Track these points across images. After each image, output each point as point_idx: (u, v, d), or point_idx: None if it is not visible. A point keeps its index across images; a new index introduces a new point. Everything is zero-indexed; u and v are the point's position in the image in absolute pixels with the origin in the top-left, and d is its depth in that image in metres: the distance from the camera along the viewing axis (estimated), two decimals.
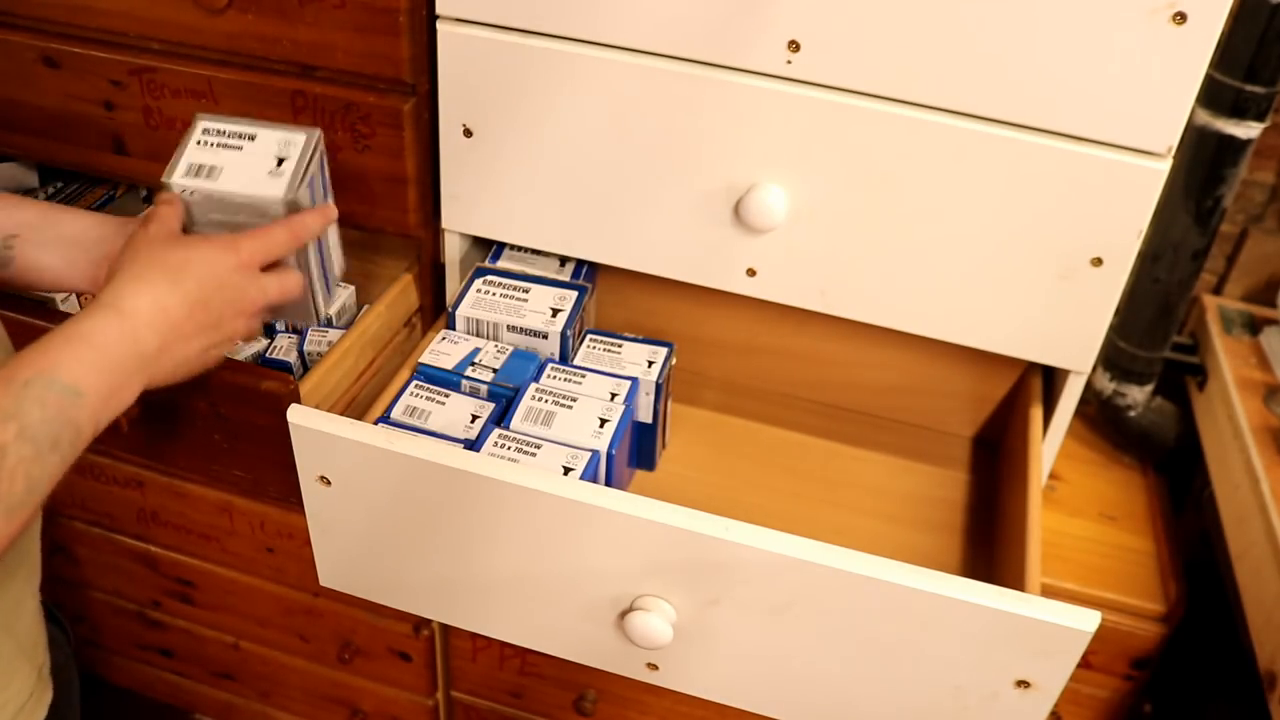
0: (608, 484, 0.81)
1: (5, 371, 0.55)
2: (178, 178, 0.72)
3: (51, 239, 0.72)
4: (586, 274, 0.97)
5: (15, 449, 0.53)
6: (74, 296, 1.01)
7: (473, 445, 0.80)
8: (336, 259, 0.81)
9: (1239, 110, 0.89)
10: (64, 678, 0.75)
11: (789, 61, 0.77)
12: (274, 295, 0.71)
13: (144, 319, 0.62)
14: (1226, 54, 0.88)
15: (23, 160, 1.10)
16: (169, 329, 0.63)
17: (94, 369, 0.58)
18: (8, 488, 0.52)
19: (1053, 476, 1.08)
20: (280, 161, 0.73)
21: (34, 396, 0.55)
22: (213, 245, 0.68)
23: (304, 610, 1.17)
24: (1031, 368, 0.94)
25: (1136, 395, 1.08)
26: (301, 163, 0.73)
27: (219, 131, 0.74)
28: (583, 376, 0.86)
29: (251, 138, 0.74)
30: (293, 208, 0.72)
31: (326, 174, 0.78)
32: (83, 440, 0.57)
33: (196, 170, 0.73)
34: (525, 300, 0.91)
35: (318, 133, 0.75)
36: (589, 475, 0.78)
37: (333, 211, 0.77)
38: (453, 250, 0.96)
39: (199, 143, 0.74)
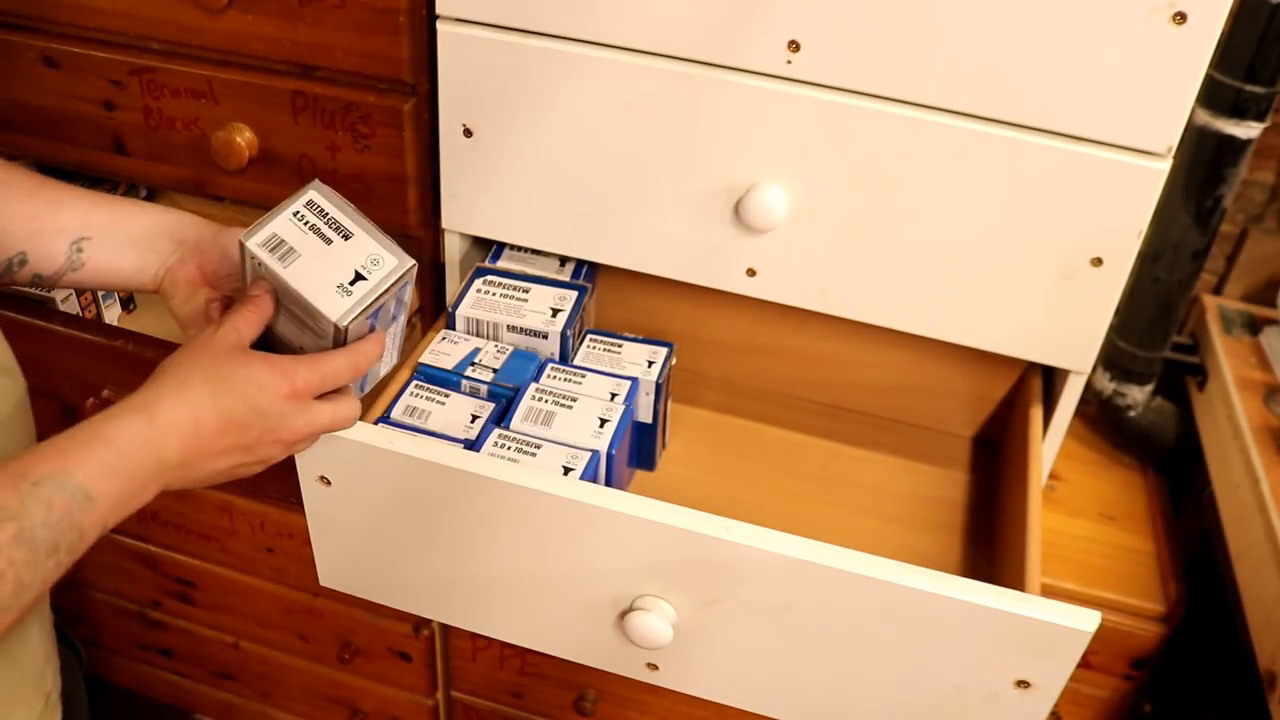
0: (608, 484, 0.81)
1: (18, 465, 0.52)
2: (254, 243, 0.65)
3: (123, 241, 0.70)
4: (586, 274, 0.97)
5: (9, 552, 0.50)
6: (73, 296, 1.01)
7: (473, 445, 0.80)
8: (401, 340, 0.74)
9: (1239, 110, 0.89)
10: (73, 704, 0.74)
11: (789, 61, 0.77)
12: (324, 426, 0.66)
13: (175, 430, 0.58)
14: (1226, 54, 0.88)
15: (23, 160, 1.10)
16: (198, 445, 0.59)
17: (111, 474, 0.55)
18: None
19: (1053, 476, 1.08)
20: (356, 279, 0.65)
21: (42, 498, 0.52)
22: (268, 368, 0.62)
23: (304, 610, 1.17)
24: (1031, 368, 0.94)
25: (1136, 395, 1.08)
26: (376, 290, 0.65)
27: (320, 212, 0.67)
28: (583, 376, 0.86)
29: (346, 236, 0.66)
30: (343, 334, 0.65)
31: (407, 299, 0.71)
32: (84, 544, 0.54)
33: (275, 245, 0.65)
34: (525, 300, 0.91)
35: (411, 265, 0.67)
36: (589, 475, 0.78)
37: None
38: (453, 250, 0.96)
39: (295, 215, 0.66)
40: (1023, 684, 0.66)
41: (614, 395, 0.85)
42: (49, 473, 0.53)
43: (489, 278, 0.93)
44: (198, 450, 0.59)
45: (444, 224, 0.93)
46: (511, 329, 0.90)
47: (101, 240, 0.70)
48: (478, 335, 0.91)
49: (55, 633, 0.73)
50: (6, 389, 0.64)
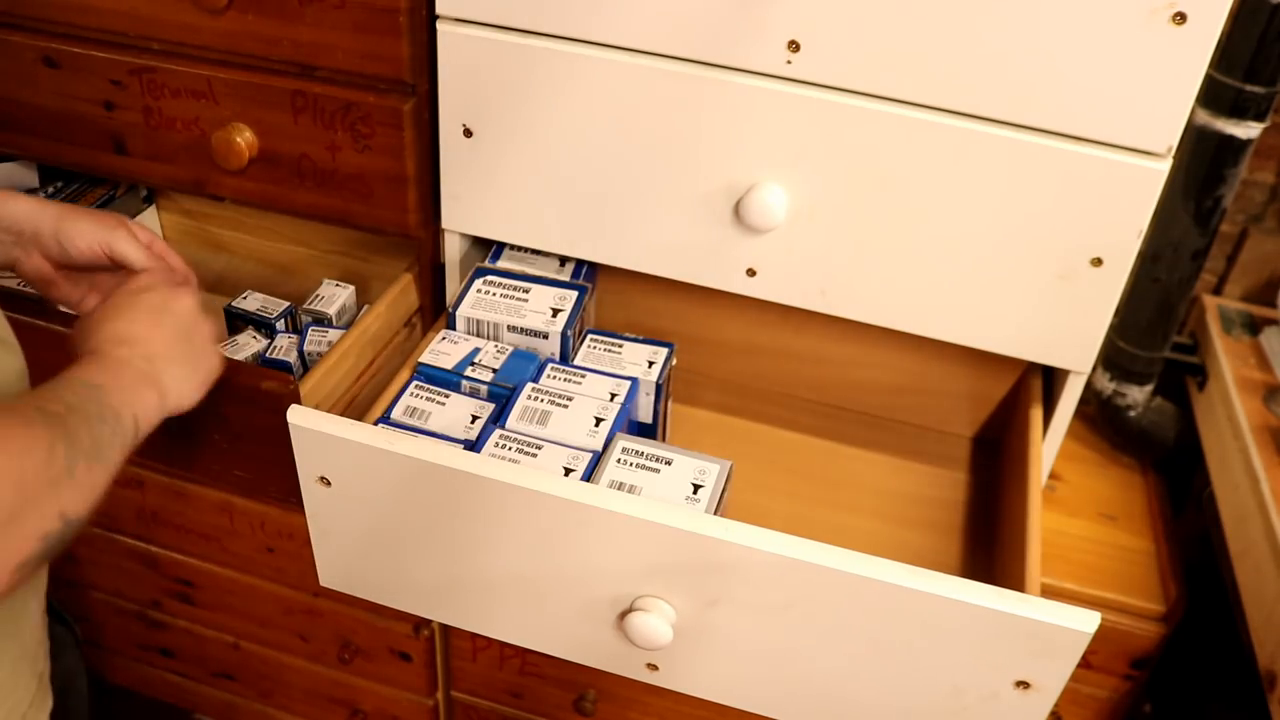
0: None
1: (35, 401, 0.58)
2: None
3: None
4: (586, 274, 0.97)
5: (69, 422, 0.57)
6: None
7: (473, 446, 0.80)
8: None
9: (1239, 110, 0.89)
10: (73, 683, 0.75)
11: (789, 61, 0.77)
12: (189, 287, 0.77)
13: (139, 350, 0.67)
14: (1226, 54, 0.88)
15: (23, 160, 1.10)
16: (156, 356, 0.68)
17: (105, 374, 0.63)
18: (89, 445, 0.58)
19: (1053, 476, 1.08)
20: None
21: (73, 390, 0.60)
22: (183, 290, 0.73)
23: (304, 610, 1.17)
24: (1031, 368, 0.94)
25: (1136, 395, 1.08)
26: None
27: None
28: (582, 377, 0.86)
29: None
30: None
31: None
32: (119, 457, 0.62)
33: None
34: (525, 300, 0.91)
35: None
36: (589, 476, 0.78)
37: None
38: (453, 250, 0.96)
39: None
40: (1022, 684, 0.66)
41: (613, 395, 0.85)
42: (73, 376, 0.61)
43: (489, 278, 0.93)
44: (159, 360, 0.68)
45: (444, 224, 0.93)
46: (512, 329, 0.90)
47: None
48: (478, 335, 0.91)
49: (49, 610, 0.74)
50: (6, 362, 0.65)
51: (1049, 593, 0.96)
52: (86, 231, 0.74)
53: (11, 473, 0.52)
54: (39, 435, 0.55)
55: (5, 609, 0.65)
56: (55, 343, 0.88)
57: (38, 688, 0.70)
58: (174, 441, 0.89)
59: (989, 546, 0.90)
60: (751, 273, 0.87)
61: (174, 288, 0.74)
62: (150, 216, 1.17)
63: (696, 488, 0.76)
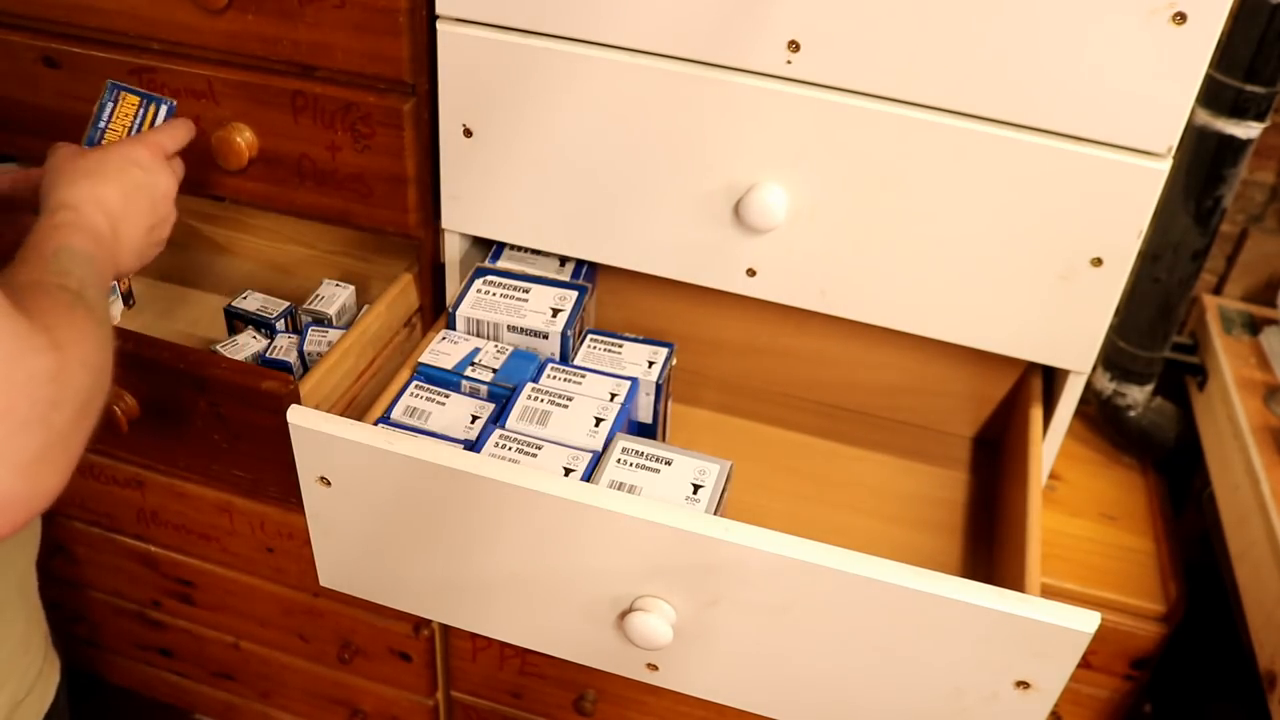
0: None
1: (33, 249, 0.60)
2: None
3: None
4: (586, 274, 0.97)
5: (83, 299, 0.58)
6: None
7: (473, 446, 0.80)
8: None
9: (1239, 110, 0.89)
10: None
11: (789, 62, 0.76)
12: (179, 179, 0.78)
13: (87, 211, 0.67)
14: (1226, 54, 0.88)
15: (23, 160, 1.10)
16: (112, 215, 0.68)
17: (91, 243, 0.64)
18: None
19: (1053, 476, 1.08)
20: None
21: (64, 262, 0.60)
22: (123, 142, 0.75)
23: (304, 610, 1.17)
24: (1031, 368, 0.94)
25: (1136, 395, 1.08)
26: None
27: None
28: (582, 377, 0.86)
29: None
30: None
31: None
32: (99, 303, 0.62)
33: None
34: (525, 300, 0.91)
35: None
36: (589, 476, 0.78)
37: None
38: (453, 250, 0.96)
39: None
40: (1022, 684, 0.66)
41: (613, 395, 0.85)
42: (61, 245, 0.61)
43: (489, 278, 0.93)
44: (116, 219, 0.68)
45: (444, 224, 0.93)
46: (512, 329, 0.90)
47: None
48: (478, 335, 0.91)
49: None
50: None
51: (1049, 593, 0.96)
52: None
53: (93, 362, 0.53)
54: (85, 319, 0.55)
55: (14, 572, 0.66)
56: None
57: (46, 648, 0.71)
58: (174, 441, 0.89)
59: (989, 546, 0.90)
60: (751, 273, 0.87)
61: (159, 168, 0.75)
62: None
63: (696, 488, 0.76)
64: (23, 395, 0.47)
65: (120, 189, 0.70)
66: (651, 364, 0.89)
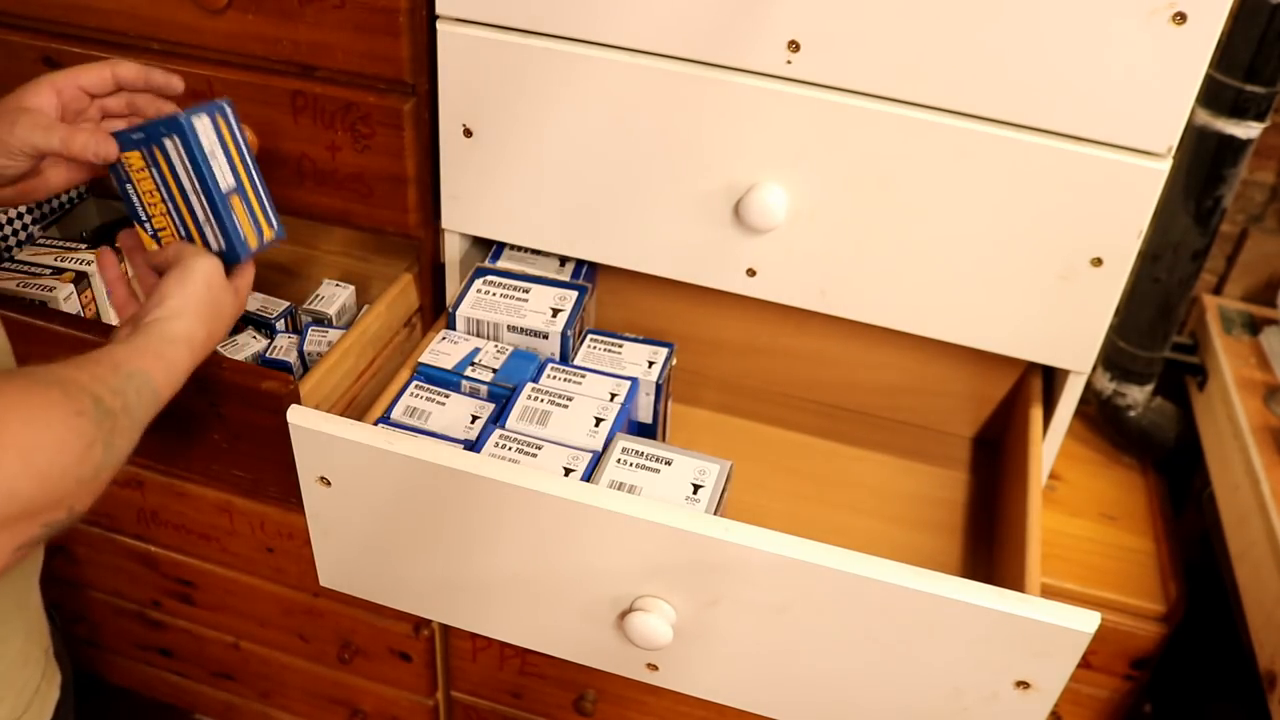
0: None
1: (111, 357, 0.61)
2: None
3: None
4: (586, 274, 0.97)
5: (122, 417, 0.58)
6: (74, 296, 1.01)
7: (473, 446, 0.80)
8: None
9: (1239, 110, 0.89)
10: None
11: (789, 62, 0.77)
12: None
13: (181, 353, 0.67)
14: (1226, 54, 0.88)
15: None
16: (195, 359, 0.69)
17: (168, 384, 0.65)
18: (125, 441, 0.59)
19: (1053, 476, 1.08)
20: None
21: (135, 388, 0.61)
22: (198, 256, 0.72)
23: (304, 610, 1.17)
24: (1031, 368, 0.94)
25: (1136, 395, 1.08)
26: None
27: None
28: (582, 377, 0.86)
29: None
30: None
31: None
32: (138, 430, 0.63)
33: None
34: (525, 300, 0.91)
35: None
36: (589, 476, 0.78)
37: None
38: (453, 250, 0.96)
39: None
40: (1022, 684, 0.66)
41: (613, 395, 0.85)
42: (138, 369, 0.62)
43: (489, 278, 0.93)
44: (198, 359, 0.70)
45: (444, 224, 0.93)
46: (512, 329, 0.90)
47: None
48: (478, 335, 0.91)
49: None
50: None
51: (1049, 593, 0.96)
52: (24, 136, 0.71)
53: (42, 467, 0.51)
54: (85, 432, 0.54)
55: (12, 586, 0.66)
56: (57, 342, 0.88)
57: (46, 662, 0.71)
58: (174, 441, 0.89)
59: (989, 546, 0.90)
60: (751, 273, 0.87)
61: (192, 257, 0.71)
62: None
63: (696, 488, 0.76)
64: None
65: (215, 334, 0.71)
66: (651, 364, 0.89)
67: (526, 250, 0.97)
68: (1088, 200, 0.76)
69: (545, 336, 0.89)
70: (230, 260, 0.72)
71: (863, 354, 0.99)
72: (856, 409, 1.03)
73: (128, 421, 0.59)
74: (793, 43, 0.76)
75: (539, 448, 0.78)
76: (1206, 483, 1.03)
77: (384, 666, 1.19)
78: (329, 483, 0.75)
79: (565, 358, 0.89)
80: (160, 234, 0.74)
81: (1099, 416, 1.12)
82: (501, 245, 0.98)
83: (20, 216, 1.08)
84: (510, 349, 0.89)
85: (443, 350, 0.88)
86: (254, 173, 0.74)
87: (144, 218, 0.74)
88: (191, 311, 0.68)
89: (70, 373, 0.57)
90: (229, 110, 0.72)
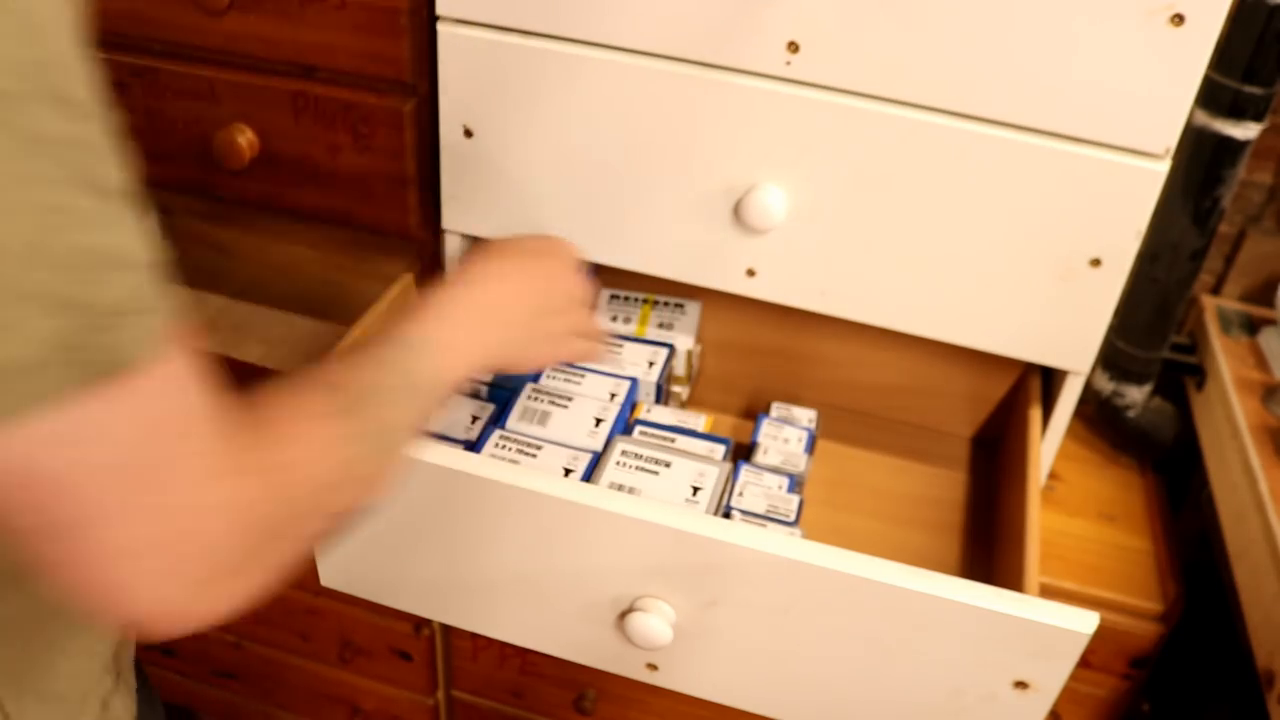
0: None
1: (350, 392, 0.56)
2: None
3: None
4: (586, 274, 0.97)
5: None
6: None
7: (473, 446, 0.80)
8: None
9: (1237, 111, 0.89)
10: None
11: (788, 62, 0.77)
12: (579, 327, 0.75)
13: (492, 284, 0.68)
14: (1225, 55, 0.88)
15: None
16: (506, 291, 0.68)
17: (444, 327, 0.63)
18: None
19: (1052, 476, 1.08)
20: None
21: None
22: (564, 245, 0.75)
23: (305, 610, 1.17)
24: (1030, 368, 0.94)
25: (1135, 395, 1.08)
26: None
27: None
28: (582, 377, 0.86)
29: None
30: None
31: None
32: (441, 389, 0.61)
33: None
34: None
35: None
36: (589, 477, 0.78)
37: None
38: (453, 250, 0.96)
39: None
40: (1021, 685, 0.66)
41: (613, 395, 0.85)
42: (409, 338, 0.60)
43: None
44: (506, 296, 0.68)
45: (444, 224, 0.94)
46: None
47: None
48: None
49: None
50: None
51: (1048, 592, 0.96)
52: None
53: (310, 484, 0.50)
54: (332, 444, 0.52)
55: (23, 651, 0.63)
56: None
57: (115, 678, 0.66)
58: None
59: (988, 546, 0.90)
60: (751, 273, 0.87)
61: (571, 265, 0.74)
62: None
63: (696, 489, 0.76)
64: (197, 520, 0.44)
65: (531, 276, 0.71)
66: (651, 364, 0.89)
67: None
68: (1086, 201, 0.76)
69: None
70: None
71: (863, 354, 0.99)
72: (856, 409, 1.03)
73: (361, 404, 0.55)
74: (792, 43, 0.76)
75: (539, 448, 0.79)
76: (1205, 483, 1.03)
77: (384, 666, 1.19)
78: None
79: None
80: None
81: (1097, 416, 1.12)
82: None
83: None
84: None
85: None
86: None
87: None
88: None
89: (332, 376, 0.56)
90: None
